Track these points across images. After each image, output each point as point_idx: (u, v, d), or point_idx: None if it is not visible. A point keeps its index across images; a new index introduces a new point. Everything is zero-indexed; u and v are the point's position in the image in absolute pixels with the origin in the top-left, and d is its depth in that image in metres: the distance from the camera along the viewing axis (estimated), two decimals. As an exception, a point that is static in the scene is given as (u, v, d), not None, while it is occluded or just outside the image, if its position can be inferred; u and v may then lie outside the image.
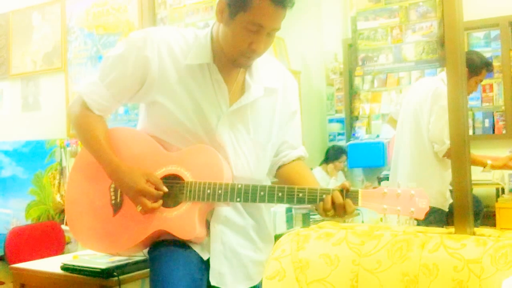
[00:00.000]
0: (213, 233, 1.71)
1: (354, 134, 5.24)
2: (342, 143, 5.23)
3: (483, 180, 3.72)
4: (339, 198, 1.56)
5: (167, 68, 1.68)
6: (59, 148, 3.98)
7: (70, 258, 2.36)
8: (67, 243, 3.77)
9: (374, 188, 1.58)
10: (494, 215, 3.77)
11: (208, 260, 1.71)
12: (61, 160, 3.98)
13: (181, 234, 1.65)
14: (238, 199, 1.63)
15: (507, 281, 1.38)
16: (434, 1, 2.54)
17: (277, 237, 1.90)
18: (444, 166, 3.01)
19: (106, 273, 2.12)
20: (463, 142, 1.76)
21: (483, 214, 3.62)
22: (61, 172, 3.98)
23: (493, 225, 3.65)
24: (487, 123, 4.52)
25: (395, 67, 2.71)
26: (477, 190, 3.66)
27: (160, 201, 1.66)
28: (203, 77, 1.69)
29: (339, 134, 5.44)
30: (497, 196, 3.96)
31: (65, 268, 2.24)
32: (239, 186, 1.63)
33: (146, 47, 1.67)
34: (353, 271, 1.65)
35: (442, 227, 2.77)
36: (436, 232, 1.66)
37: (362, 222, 2.95)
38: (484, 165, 3.10)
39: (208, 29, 1.73)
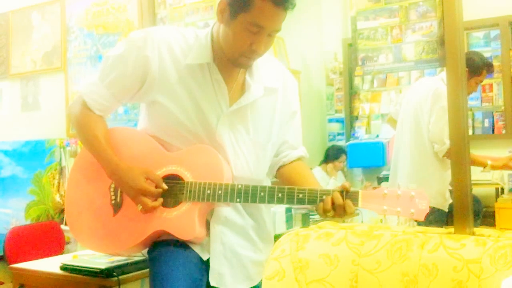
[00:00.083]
0: (213, 233, 1.71)
1: (353, 134, 5.24)
2: (342, 143, 5.23)
3: (482, 180, 3.73)
4: (339, 199, 1.56)
5: (167, 68, 1.68)
6: (59, 148, 3.98)
7: (70, 258, 2.37)
8: (67, 243, 3.77)
9: (374, 188, 1.58)
10: (494, 215, 3.78)
11: (207, 260, 1.71)
12: (60, 160, 3.98)
13: (180, 234, 1.65)
14: (238, 200, 1.63)
15: (506, 281, 1.38)
16: (434, 1, 2.54)
17: (276, 237, 1.90)
18: (444, 166, 3.01)
19: (105, 273, 2.12)
20: (463, 142, 1.76)
21: (482, 214, 3.63)
22: (61, 172, 3.98)
23: (493, 225, 3.66)
24: (486, 123, 4.52)
25: (395, 67, 2.71)
26: (476, 190, 3.66)
27: (161, 200, 1.66)
28: (203, 77, 1.69)
29: (338, 134, 5.44)
30: (497, 196, 3.97)
31: (64, 268, 2.25)
32: (239, 186, 1.62)
33: (146, 47, 1.67)
34: (353, 271, 1.65)
35: (442, 227, 2.77)
36: (436, 232, 1.66)
37: (362, 222, 2.95)
38: (484, 165, 3.10)
39: (208, 29, 1.73)
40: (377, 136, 5.03)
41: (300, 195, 1.59)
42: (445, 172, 2.99)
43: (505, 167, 3.22)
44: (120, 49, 1.73)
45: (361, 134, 5.19)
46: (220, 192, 1.62)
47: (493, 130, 4.51)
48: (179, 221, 1.65)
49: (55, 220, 3.94)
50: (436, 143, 3.01)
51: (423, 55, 2.60)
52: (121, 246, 1.74)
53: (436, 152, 3.02)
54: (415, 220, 1.68)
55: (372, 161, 4.84)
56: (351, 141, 5.08)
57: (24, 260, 2.57)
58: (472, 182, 1.79)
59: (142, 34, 1.73)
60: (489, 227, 3.24)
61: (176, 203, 1.67)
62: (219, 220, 1.71)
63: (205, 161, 1.67)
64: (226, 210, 1.72)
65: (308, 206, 1.65)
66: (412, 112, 3.16)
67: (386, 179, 3.91)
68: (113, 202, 1.75)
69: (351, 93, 5.36)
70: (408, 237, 1.64)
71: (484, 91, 4.55)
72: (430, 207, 1.56)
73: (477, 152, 3.21)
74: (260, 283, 1.78)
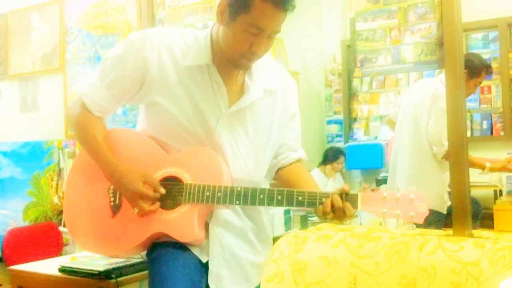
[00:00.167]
0: (212, 235, 1.71)
1: (352, 136, 5.24)
2: (340, 144, 5.23)
3: (481, 182, 3.73)
4: (338, 202, 1.56)
5: (166, 69, 1.68)
6: (57, 149, 3.97)
7: (68, 260, 2.36)
8: (65, 245, 3.76)
9: (372, 190, 1.58)
10: (492, 217, 3.78)
11: (206, 263, 1.71)
12: (59, 161, 3.97)
13: (180, 236, 1.64)
14: (237, 202, 1.63)
15: (504, 283, 1.38)
16: (433, 2, 2.54)
17: (275, 239, 1.90)
18: (442, 168, 3.01)
19: (104, 275, 2.12)
20: (461, 144, 1.76)
21: (481, 216, 3.63)
22: (59, 173, 3.98)
23: (491, 227, 3.66)
24: (485, 124, 4.52)
25: (393, 69, 2.72)
26: (475, 192, 3.67)
27: (158, 204, 1.66)
28: (203, 78, 1.69)
29: (337, 135, 5.44)
30: (495, 198, 3.97)
31: (63, 270, 2.24)
32: (239, 189, 1.62)
33: (146, 48, 1.67)
34: (352, 273, 1.65)
35: (440, 229, 2.77)
36: (434, 234, 1.65)
37: (360, 224, 2.94)
38: (482, 167, 3.11)
39: (207, 30, 1.73)
40: (376, 137, 5.03)
41: (300, 198, 1.59)
42: (444, 174, 2.99)
43: (503, 169, 3.22)
44: (119, 50, 1.73)
45: (360, 136, 5.19)
46: (219, 194, 1.62)
47: (491, 132, 4.51)
48: (178, 223, 1.65)
49: (54, 221, 3.93)
50: (435, 145, 3.01)
51: (422, 56, 2.60)
52: (119, 248, 1.74)
53: (435, 154, 3.03)
54: (414, 223, 1.67)
55: (370, 163, 4.84)
56: (350, 143, 5.08)
57: (23, 262, 2.57)
58: (471, 184, 1.79)
59: (141, 35, 1.73)
60: (487, 229, 3.24)
61: (175, 205, 1.67)
62: (218, 222, 1.71)
63: (204, 163, 1.67)
64: (225, 212, 1.71)
65: (307, 208, 1.65)
66: (411, 113, 3.16)
67: (384, 181, 3.92)
68: (112, 204, 1.75)
69: (350, 95, 5.36)
70: (407, 239, 1.64)
71: (482, 92, 4.55)
72: (428, 209, 1.56)
73: (475, 154, 3.21)
74: (259, 285, 1.78)
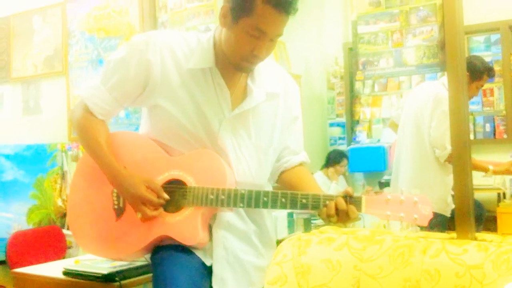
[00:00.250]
0: (215, 238, 1.71)
1: (355, 138, 5.24)
2: (343, 147, 5.22)
3: (484, 185, 3.72)
4: (342, 204, 1.56)
5: (169, 72, 1.68)
6: (60, 152, 3.98)
7: (72, 262, 2.36)
8: (69, 248, 3.76)
9: (375, 193, 1.58)
10: (496, 220, 3.77)
11: (210, 266, 1.71)
12: (62, 164, 3.98)
13: (183, 239, 1.65)
14: (241, 205, 1.63)
15: (508, 286, 1.38)
16: (435, 5, 2.55)
17: (278, 242, 1.90)
18: (445, 171, 3.01)
19: (107, 278, 2.12)
20: (464, 147, 1.76)
21: (485, 219, 3.62)
22: (63, 176, 3.98)
23: (495, 230, 3.65)
24: (488, 127, 4.51)
25: (395, 71, 2.71)
26: (478, 195, 3.65)
27: (161, 209, 1.66)
28: (205, 81, 1.69)
29: (339, 138, 5.44)
30: (499, 201, 3.96)
31: (66, 272, 2.24)
32: (242, 191, 1.62)
33: (148, 51, 1.67)
34: (355, 277, 1.65)
35: (444, 232, 2.76)
36: (438, 238, 1.66)
37: (364, 227, 2.94)
38: (485, 170, 3.10)
39: (210, 33, 1.73)
40: (378, 140, 5.02)
41: (303, 200, 1.59)
42: (447, 177, 2.99)
43: (506, 172, 3.22)
44: (122, 52, 1.73)
45: (362, 139, 5.19)
46: (223, 197, 1.62)
47: (494, 135, 4.50)
48: (182, 226, 1.65)
49: (57, 224, 3.94)
50: (437, 148, 3.01)
51: (424, 59, 2.60)
52: (123, 251, 1.74)
53: (437, 157, 3.02)
54: (418, 225, 1.67)
55: (373, 166, 4.83)
56: (352, 146, 5.08)
57: (26, 265, 2.57)
58: (474, 187, 1.79)
59: (144, 38, 1.73)
60: (491, 232, 3.24)
61: (179, 208, 1.67)
62: (221, 225, 1.71)
63: (207, 166, 1.67)
64: (228, 215, 1.71)
65: (311, 211, 1.65)
66: (413, 116, 3.16)
67: (387, 183, 3.91)
68: (115, 207, 1.75)
69: (352, 97, 5.36)
70: (410, 242, 1.64)
71: (485, 95, 4.54)
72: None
73: (478, 156, 3.21)
74: (262, 288, 1.78)
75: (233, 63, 1.66)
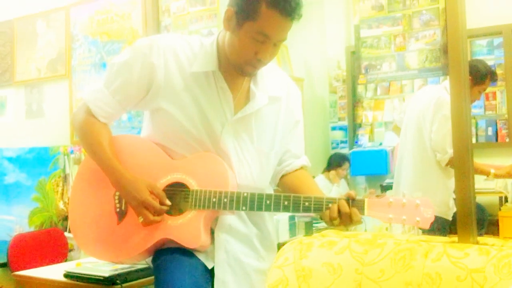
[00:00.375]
0: (217, 241, 1.71)
1: (357, 142, 5.24)
2: (345, 150, 5.22)
3: (486, 189, 3.71)
4: (345, 207, 1.56)
5: (173, 75, 1.68)
6: (63, 155, 3.98)
7: (73, 265, 2.36)
8: (70, 250, 3.76)
9: (377, 196, 1.58)
10: (497, 223, 3.76)
11: (212, 268, 1.71)
12: (64, 167, 3.98)
13: (186, 242, 1.64)
14: (243, 208, 1.63)
15: (510, 291, 1.38)
16: (437, 9, 2.55)
17: (280, 246, 1.90)
18: (447, 174, 3.01)
19: (109, 281, 2.12)
20: (466, 150, 1.76)
21: (487, 223, 3.61)
22: (65, 179, 3.98)
23: (496, 233, 3.64)
24: (490, 131, 4.51)
25: (398, 75, 2.71)
26: (480, 199, 3.65)
27: (163, 215, 1.67)
28: (209, 84, 1.70)
29: (341, 141, 5.43)
30: (500, 204, 3.95)
31: (68, 275, 2.25)
32: (245, 194, 1.62)
33: (152, 54, 1.68)
34: (356, 280, 1.65)
35: (445, 236, 2.76)
36: (439, 241, 1.66)
37: (365, 230, 2.94)
38: (487, 174, 3.10)
39: (214, 37, 1.73)
40: (381, 144, 5.02)
41: (306, 203, 1.59)
42: (449, 180, 2.99)
43: (508, 175, 3.21)
44: (125, 56, 1.74)
45: (364, 142, 5.18)
46: (225, 200, 1.62)
47: (496, 138, 4.50)
48: (185, 229, 1.65)
49: (59, 227, 3.94)
50: (438, 152, 3.01)
51: (427, 63, 2.60)
52: (125, 254, 1.74)
53: (439, 161, 3.02)
54: (420, 228, 1.67)
55: (375, 169, 4.83)
56: (354, 149, 5.07)
57: (28, 267, 2.58)
58: (476, 190, 1.79)
59: (147, 41, 1.74)
60: (492, 236, 3.23)
61: (181, 211, 1.67)
62: (223, 228, 1.71)
63: (210, 169, 1.67)
64: (230, 218, 1.72)
65: (313, 214, 1.65)
66: (415, 120, 3.17)
67: (389, 187, 3.91)
68: (117, 210, 1.75)
69: (354, 101, 5.36)
70: (412, 246, 1.64)
71: (487, 99, 4.54)
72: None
73: (480, 160, 3.20)
74: (263, 291, 1.78)
75: (236, 67, 1.66)
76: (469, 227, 1.70)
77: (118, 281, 2.11)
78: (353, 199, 1.57)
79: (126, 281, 2.14)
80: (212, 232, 1.71)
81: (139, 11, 3.64)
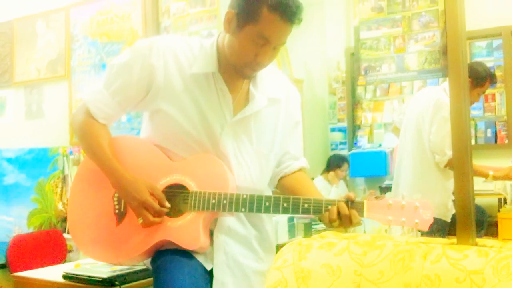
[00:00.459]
0: (216, 243, 1.71)
1: (356, 143, 5.24)
2: (344, 152, 5.22)
3: (485, 190, 3.71)
4: (344, 209, 1.56)
5: (172, 77, 1.69)
6: (62, 156, 3.98)
7: (72, 266, 2.37)
8: (69, 252, 3.76)
9: (377, 197, 1.58)
10: (496, 225, 3.76)
11: (211, 270, 1.71)
12: (63, 168, 3.98)
13: (185, 244, 1.64)
14: (243, 210, 1.63)
15: (509, 292, 1.38)
16: (437, 11, 2.55)
17: (279, 247, 1.90)
18: (446, 176, 3.01)
19: (108, 282, 2.13)
20: (465, 152, 1.76)
21: (486, 224, 3.61)
22: (64, 180, 3.98)
23: (495, 235, 3.64)
24: (489, 132, 4.51)
25: (397, 77, 2.72)
26: (479, 200, 3.64)
27: (162, 216, 1.66)
28: (208, 86, 1.70)
29: (341, 143, 5.43)
30: (499, 206, 3.95)
31: (66, 276, 2.25)
32: (244, 196, 1.62)
33: (152, 55, 1.68)
34: (355, 282, 1.65)
35: (444, 237, 2.76)
36: (438, 243, 1.65)
37: (364, 232, 2.94)
38: (485, 176, 3.10)
39: (214, 38, 1.74)
40: (380, 145, 5.02)
41: (306, 205, 1.59)
42: (447, 182, 2.99)
43: (506, 177, 3.21)
44: (125, 57, 1.74)
45: (364, 143, 5.18)
46: (225, 202, 1.63)
47: (495, 140, 4.50)
48: (184, 230, 1.65)
49: (58, 228, 3.94)
50: (437, 154, 3.01)
51: (426, 65, 2.60)
52: (124, 255, 1.74)
53: (438, 163, 3.02)
54: (419, 230, 1.67)
55: (374, 171, 4.83)
56: (354, 150, 5.07)
57: (27, 268, 2.58)
58: (475, 192, 1.79)
59: (147, 42, 1.74)
60: (491, 238, 3.23)
61: (180, 212, 1.67)
62: (222, 229, 1.71)
63: (209, 170, 1.67)
64: (229, 220, 1.72)
65: (313, 216, 1.65)
66: (414, 122, 3.17)
67: (388, 188, 3.91)
68: (116, 211, 1.75)
69: (354, 102, 5.36)
70: (411, 248, 1.63)
71: (486, 101, 4.54)
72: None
73: (480, 162, 3.20)
74: (262, 293, 1.78)
75: (236, 69, 1.67)
76: (468, 229, 1.70)
77: (117, 282, 2.12)
78: (353, 201, 1.57)
79: (125, 282, 2.14)
80: (211, 234, 1.71)
81: (139, 12, 3.65)
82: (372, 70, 2.74)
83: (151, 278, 1.76)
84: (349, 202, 1.57)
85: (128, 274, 2.16)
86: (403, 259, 1.61)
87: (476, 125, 4.53)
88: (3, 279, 3.60)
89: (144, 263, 1.83)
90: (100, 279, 2.14)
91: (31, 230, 4.06)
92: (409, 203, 1.54)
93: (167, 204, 1.66)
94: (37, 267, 2.60)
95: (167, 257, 1.68)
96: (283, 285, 1.71)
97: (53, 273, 2.37)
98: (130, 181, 1.67)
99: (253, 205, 1.62)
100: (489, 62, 4.07)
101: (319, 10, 5.14)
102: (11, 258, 3.51)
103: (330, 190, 4.57)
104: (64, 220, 3.89)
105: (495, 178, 3.15)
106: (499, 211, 3.87)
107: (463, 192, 1.75)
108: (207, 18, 3.31)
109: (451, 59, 1.81)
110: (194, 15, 3.33)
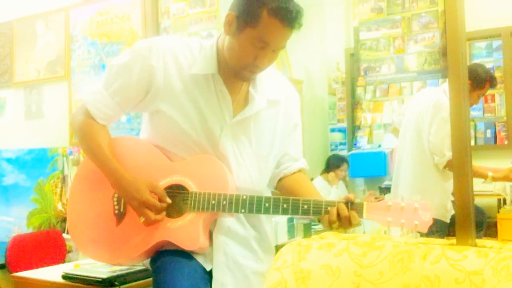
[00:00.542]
0: (216, 243, 1.71)
1: (355, 144, 5.24)
2: (344, 152, 5.22)
3: (484, 191, 3.72)
4: (344, 210, 1.56)
5: (172, 78, 1.69)
6: (61, 157, 3.98)
7: (71, 267, 2.37)
8: (68, 252, 3.76)
9: (376, 198, 1.59)
10: (496, 226, 3.76)
11: (210, 271, 1.71)
12: (63, 168, 3.98)
13: (185, 244, 1.65)
14: (243, 210, 1.64)
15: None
16: (436, 12, 2.55)
17: (278, 248, 1.90)
18: (445, 177, 3.01)
19: (107, 282, 2.12)
20: (465, 153, 1.76)
21: (485, 225, 3.62)
22: (63, 180, 3.98)
23: (495, 236, 3.64)
24: (489, 133, 4.51)
25: (397, 77, 2.72)
26: (478, 201, 3.64)
27: (164, 214, 1.67)
28: (208, 87, 1.70)
29: (340, 143, 5.43)
30: (499, 207, 3.95)
31: (66, 277, 2.25)
32: (244, 197, 1.63)
33: (151, 56, 1.68)
34: (355, 282, 1.65)
35: (444, 238, 2.76)
36: (438, 244, 1.65)
37: (364, 232, 2.94)
38: (485, 177, 3.10)
39: (213, 40, 1.74)
40: (379, 145, 5.02)
41: (305, 206, 1.60)
42: (447, 182, 2.99)
43: (505, 178, 3.21)
44: (125, 58, 1.74)
45: (363, 144, 5.18)
46: (224, 202, 1.63)
47: (495, 141, 4.50)
48: (184, 231, 1.65)
49: (57, 228, 3.94)
50: (436, 155, 3.01)
51: (426, 65, 2.60)
52: (123, 256, 1.74)
53: (437, 164, 3.02)
54: (418, 232, 1.67)
55: (374, 171, 4.83)
56: (353, 151, 5.08)
57: (26, 269, 2.58)
58: (474, 193, 1.79)
59: (147, 43, 1.74)
60: (491, 238, 3.23)
61: (180, 213, 1.67)
62: (222, 230, 1.71)
63: (209, 171, 1.67)
64: (229, 221, 1.72)
65: (313, 217, 1.66)
66: (413, 122, 3.17)
67: (388, 189, 3.91)
68: (116, 212, 1.75)
69: (353, 103, 5.36)
70: (410, 248, 1.63)
71: (486, 101, 4.54)
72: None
73: (479, 162, 3.20)
74: (262, 293, 1.78)
75: (234, 71, 1.67)
76: (467, 230, 1.70)
77: (116, 283, 2.12)
78: (352, 202, 1.58)
79: (124, 282, 2.14)
80: (210, 235, 1.71)
81: (139, 13, 3.65)
82: (372, 70, 2.74)
83: (151, 279, 1.76)
84: (349, 204, 1.57)
85: (128, 274, 2.16)
86: (403, 260, 1.61)
87: (475, 126, 4.53)
88: (3, 279, 3.60)
89: (144, 264, 1.83)
90: (100, 279, 2.14)
91: (30, 230, 4.06)
92: (409, 205, 1.54)
93: (168, 200, 1.66)
94: (37, 267, 2.60)
95: (166, 257, 1.68)
96: (282, 286, 1.71)
97: (53, 273, 2.37)
98: (130, 181, 1.67)
99: (253, 206, 1.62)
100: (488, 63, 4.08)
101: (319, 11, 5.14)
102: (10, 258, 3.51)
103: (329, 190, 4.57)
104: (64, 220, 3.89)
105: (494, 179, 3.15)
106: (498, 211, 3.88)
107: (462, 193, 1.74)
108: (207, 18, 3.31)
109: (450, 60, 1.81)
110: (194, 15, 3.34)
